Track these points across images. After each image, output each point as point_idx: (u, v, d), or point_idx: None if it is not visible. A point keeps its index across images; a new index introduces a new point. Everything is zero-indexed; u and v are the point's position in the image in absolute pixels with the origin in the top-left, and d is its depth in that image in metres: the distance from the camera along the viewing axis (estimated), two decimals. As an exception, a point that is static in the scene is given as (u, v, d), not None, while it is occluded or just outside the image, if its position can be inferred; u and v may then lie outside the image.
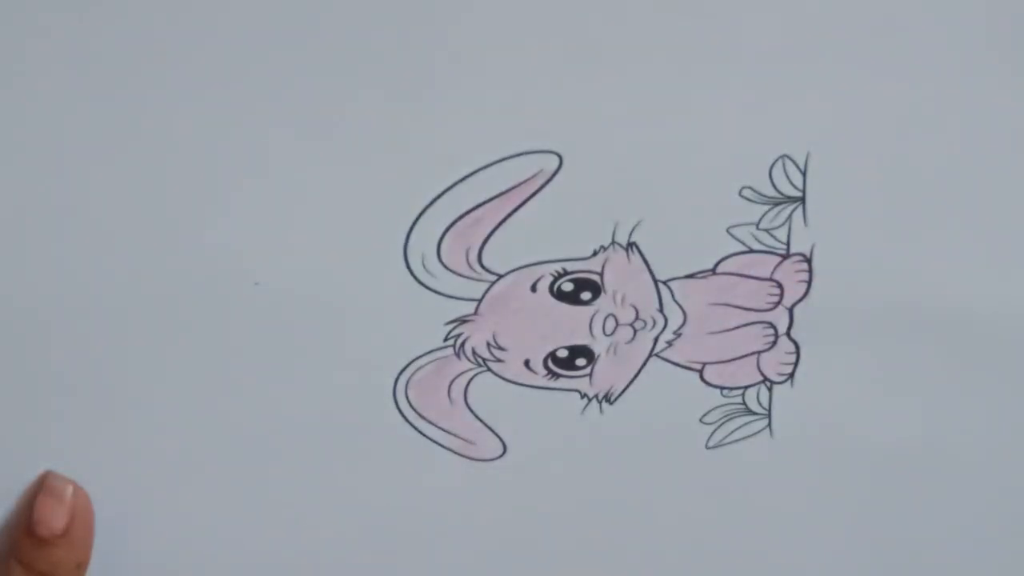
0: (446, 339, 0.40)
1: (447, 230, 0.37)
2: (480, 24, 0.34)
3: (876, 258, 0.40)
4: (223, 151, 0.35)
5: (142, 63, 0.34)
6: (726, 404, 0.42)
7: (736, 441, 0.43)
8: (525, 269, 0.39)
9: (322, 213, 0.37)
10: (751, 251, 0.39)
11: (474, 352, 0.40)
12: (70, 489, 0.40)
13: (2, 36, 0.33)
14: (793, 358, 0.41)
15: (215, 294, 0.38)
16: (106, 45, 0.34)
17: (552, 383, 0.41)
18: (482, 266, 0.38)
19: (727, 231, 0.39)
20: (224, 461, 0.41)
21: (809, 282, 0.40)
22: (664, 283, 0.40)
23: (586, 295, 0.39)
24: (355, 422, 0.40)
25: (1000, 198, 0.39)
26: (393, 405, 0.40)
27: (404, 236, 0.37)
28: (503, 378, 0.40)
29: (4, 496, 0.40)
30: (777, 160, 0.38)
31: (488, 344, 0.40)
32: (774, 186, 0.38)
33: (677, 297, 0.40)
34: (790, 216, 0.39)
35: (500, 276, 0.39)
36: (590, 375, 0.41)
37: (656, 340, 0.41)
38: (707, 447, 0.43)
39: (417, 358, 0.40)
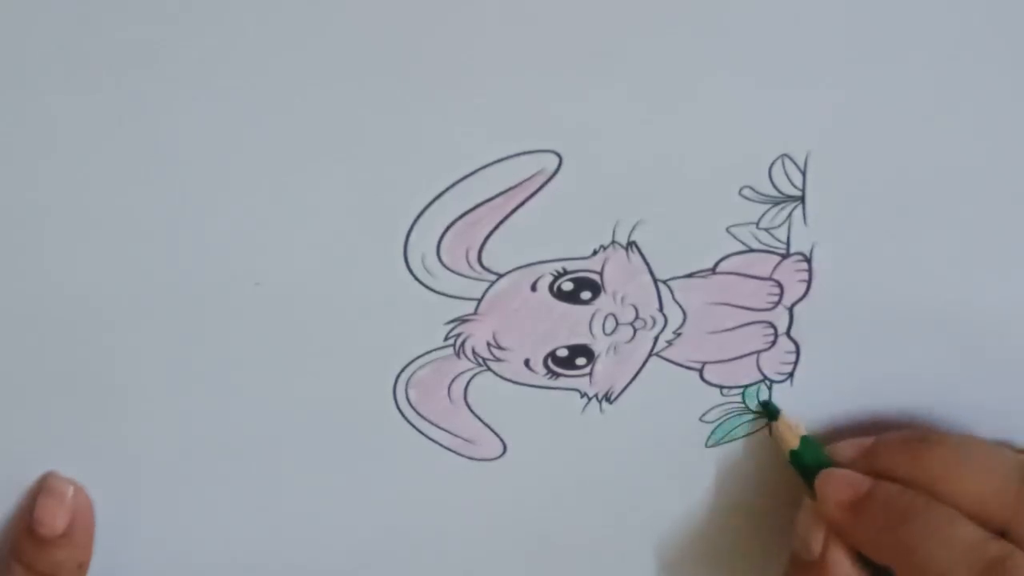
0: (446, 339, 0.40)
1: (447, 230, 0.37)
2: (479, 23, 0.34)
3: (876, 258, 0.40)
4: (223, 151, 0.35)
5: (143, 62, 0.34)
6: (726, 403, 0.42)
7: (736, 440, 0.43)
8: (525, 268, 0.39)
9: (322, 213, 0.37)
10: (751, 250, 0.39)
11: (474, 352, 0.40)
12: (70, 489, 0.40)
13: (2, 36, 0.33)
14: (793, 357, 0.41)
15: (216, 294, 0.38)
16: (107, 44, 0.33)
17: (552, 382, 0.41)
18: (482, 265, 0.38)
19: (727, 230, 0.39)
20: (224, 461, 0.41)
21: (809, 281, 0.40)
22: (664, 282, 0.40)
23: (586, 294, 0.39)
24: (355, 422, 0.41)
25: (1000, 198, 0.39)
26: (393, 405, 0.40)
27: (404, 236, 0.37)
28: (503, 378, 0.41)
29: (4, 496, 0.40)
30: (777, 159, 0.38)
31: (488, 343, 0.40)
32: (774, 185, 0.38)
33: (677, 296, 0.40)
34: (790, 215, 0.39)
35: (500, 275, 0.39)
36: (590, 374, 0.41)
37: (656, 339, 0.41)
38: (707, 446, 0.43)
39: (417, 358, 0.40)
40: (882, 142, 0.38)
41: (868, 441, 0.41)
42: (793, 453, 0.42)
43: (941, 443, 0.40)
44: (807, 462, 0.41)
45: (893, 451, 0.40)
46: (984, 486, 0.38)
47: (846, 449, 0.41)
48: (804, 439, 0.42)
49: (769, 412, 0.42)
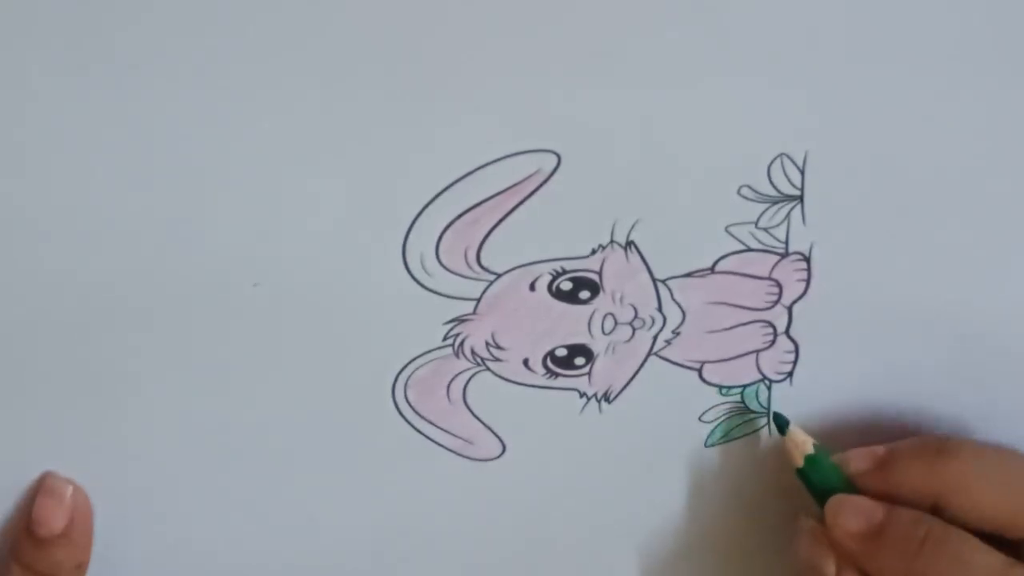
0: (445, 339, 0.40)
1: (445, 230, 0.37)
2: (478, 23, 0.34)
3: (875, 257, 0.40)
4: (222, 151, 0.35)
5: (141, 62, 0.34)
6: (725, 403, 0.42)
7: (735, 440, 0.43)
8: (523, 268, 0.39)
9: (320, 213, 0.37)
10: (749, 250, 0.39)
11: (473, 351, 0.40)
12: (70, 489, 0.40)
13: (2, 36, 0.33)
14: (792, 357, 0.41)
15: (214, 295, 0.38)
16: (106, 43, 0.34)
17: (551, 382, 0.41)
18: (480, 265, 0.38)
19: (725, 230, 0.39)
20: (223, 461, 0.41)
21: (808, 281, 0.40)
22: (663, 282, 0.40)
23: (585, 294, 0.39)
24: (354, 422, 0.40)
25: (1000, 197, 0.39)
26: (392, 405, 0.40)
27: (402, 236, 0.37)
28: (502, 377, 0.40)
29: (4, 496, 0.40)
30: (775, 158, 0.38)
31: (487, 343, 0.40)
32: (772, 185, 0.38)
33: (676, 296, 0.40)
34: (788, 215, 0.39)
35: (498, 275, 0.39)
36: (589, 374, 0.41)
37: (655, 339, 0.41)
38: (706, 446, 0.43)
39: (416, 358, 0.40)
40: (881, 142, 0.38)
41: (880, 450, 0.40)
42: (799, 471, 0.41)
43: (958, 454, 0.38)
44: (813, 480, 0.40)
45: (907, 461, 0.39)
46: (1001, 502, 0.38)
47: (858, 459, 0.40)
48: (809, 458, 0.40)
49: (779, 425, 0.41)
